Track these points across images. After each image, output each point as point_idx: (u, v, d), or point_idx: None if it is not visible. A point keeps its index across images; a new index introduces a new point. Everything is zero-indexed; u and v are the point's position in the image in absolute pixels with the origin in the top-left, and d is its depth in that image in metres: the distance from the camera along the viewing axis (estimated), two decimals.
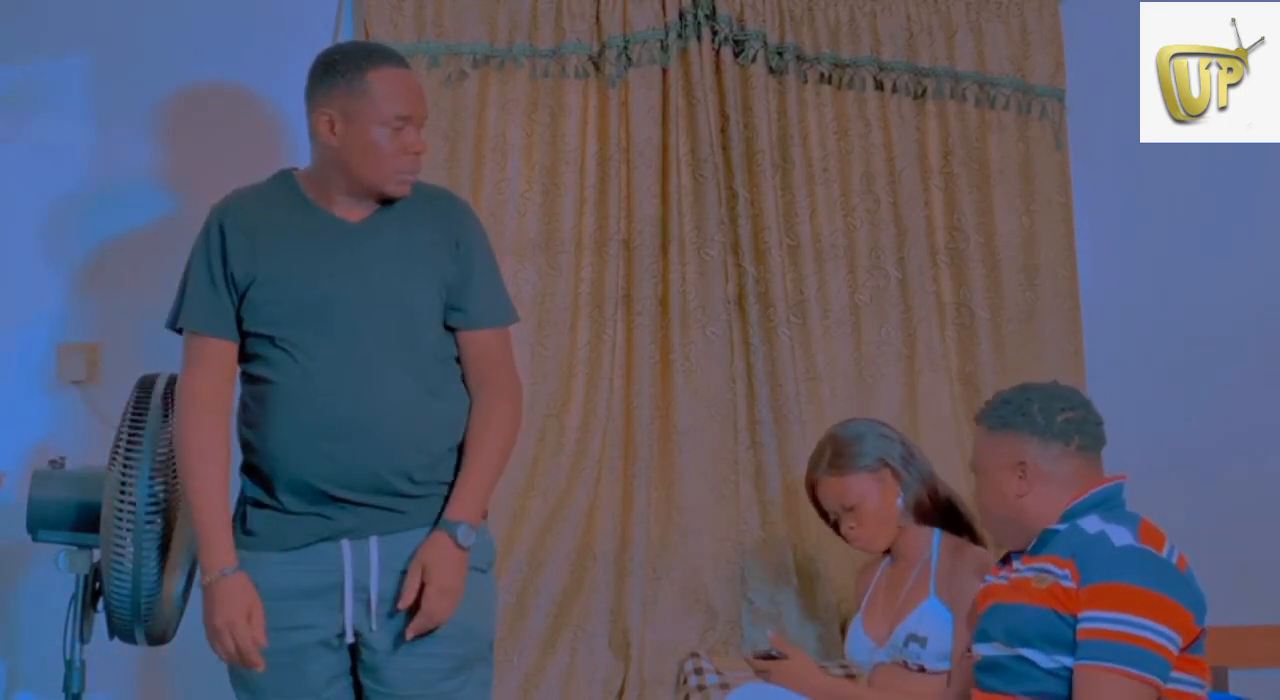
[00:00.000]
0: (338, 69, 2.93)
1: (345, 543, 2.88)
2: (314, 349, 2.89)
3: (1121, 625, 2.70)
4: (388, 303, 2.91)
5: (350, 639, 2.88)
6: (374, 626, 2.87)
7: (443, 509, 2.91)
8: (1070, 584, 2.77)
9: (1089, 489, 2.90)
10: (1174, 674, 2.75)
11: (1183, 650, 2.75)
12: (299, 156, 3.70)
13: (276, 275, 2.92)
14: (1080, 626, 2.74)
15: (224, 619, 2.79)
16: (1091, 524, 2.84)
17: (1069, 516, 2.88)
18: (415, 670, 2.88)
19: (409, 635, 2.85)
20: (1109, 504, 2.89)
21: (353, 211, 2.97)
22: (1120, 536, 2.80)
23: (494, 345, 3.01)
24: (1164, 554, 2.79)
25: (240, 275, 2.93)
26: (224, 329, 2.95)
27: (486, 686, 2.99)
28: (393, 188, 2.94)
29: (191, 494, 2.87)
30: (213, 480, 2.88)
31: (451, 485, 2.93)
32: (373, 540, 2.88)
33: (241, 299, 2.93)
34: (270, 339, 2.92)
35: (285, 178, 3.04)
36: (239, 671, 2.92)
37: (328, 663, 2.91)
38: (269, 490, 2.92)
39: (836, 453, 3.42)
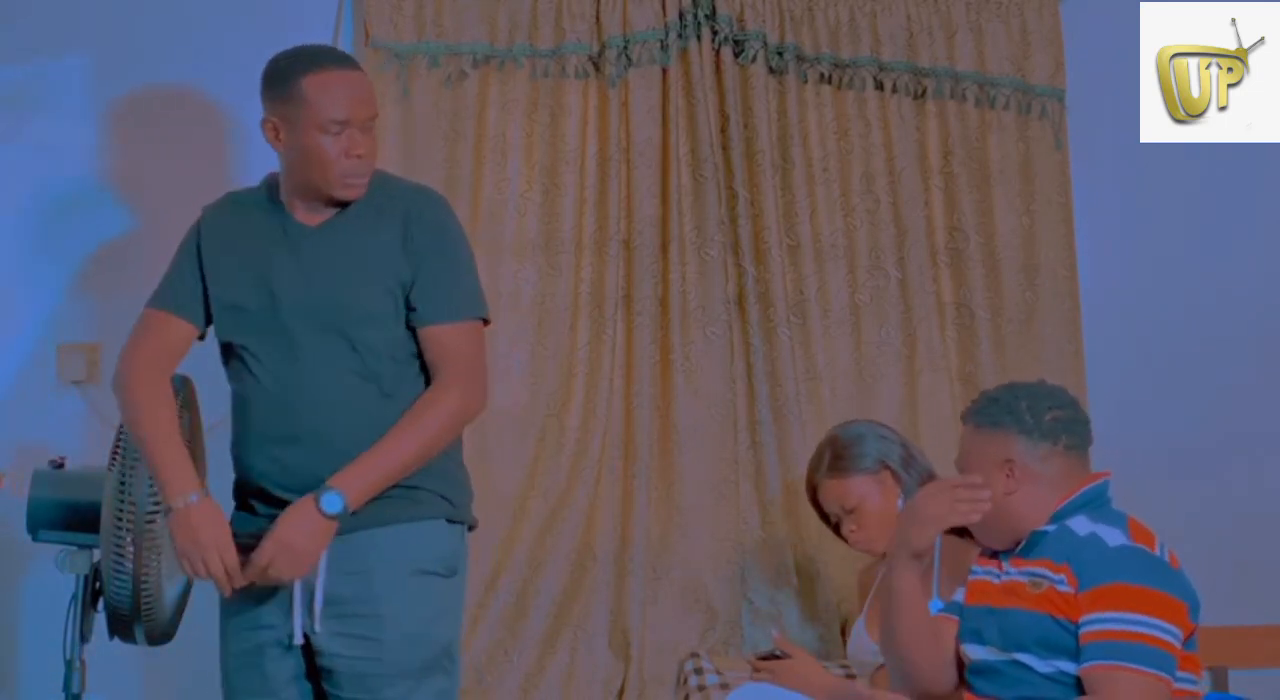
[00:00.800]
0: (277, 77, 2.93)
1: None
2: (265, 355, 2.92)
3: (1128, 625, 2.69)
4: (331, 306, 2.90)
5: (299, 640, 2.87)
6: (318, 627, 2.85)
7: (400, 511, 2.88)
8: (1067, 589, 2.76)
9: (1076, 489, 2.89)
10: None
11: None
12: None
13: (232, 281, 2.97)
14: (1085, 630, 2.73)
15: (210, 536, 2.79)
16: (1081, 525, 2.84)
17: (1057, 518, 2.87)
18: (359, 674, 2.86)
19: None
20: (1095, 503, 2.89)
21: (312, 216, 2.97)
22: (1113, 537, 2.80)
23: (448, 340, 2.93)
24: (1156, 551, 2.80)
25: (207, 278, 2.99)
26: (183, 308, 2.99)
27: (444, 696, 2.93)
28: (340, 191, 2.92)
29: (144, 438, 2.87)
30: (163, 423, 2.88)
31: (411, 487, 2.89)
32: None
33: (208, 305, 2.99)
34: (232, 346, 2.97)
35: (271, 180, 3.05)
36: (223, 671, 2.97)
37: (284, 664, 2.92)
38: (242, 496, 2.97)
39: (836, 455, 3.42)
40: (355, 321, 2.90)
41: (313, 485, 2.84)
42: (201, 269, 2.99)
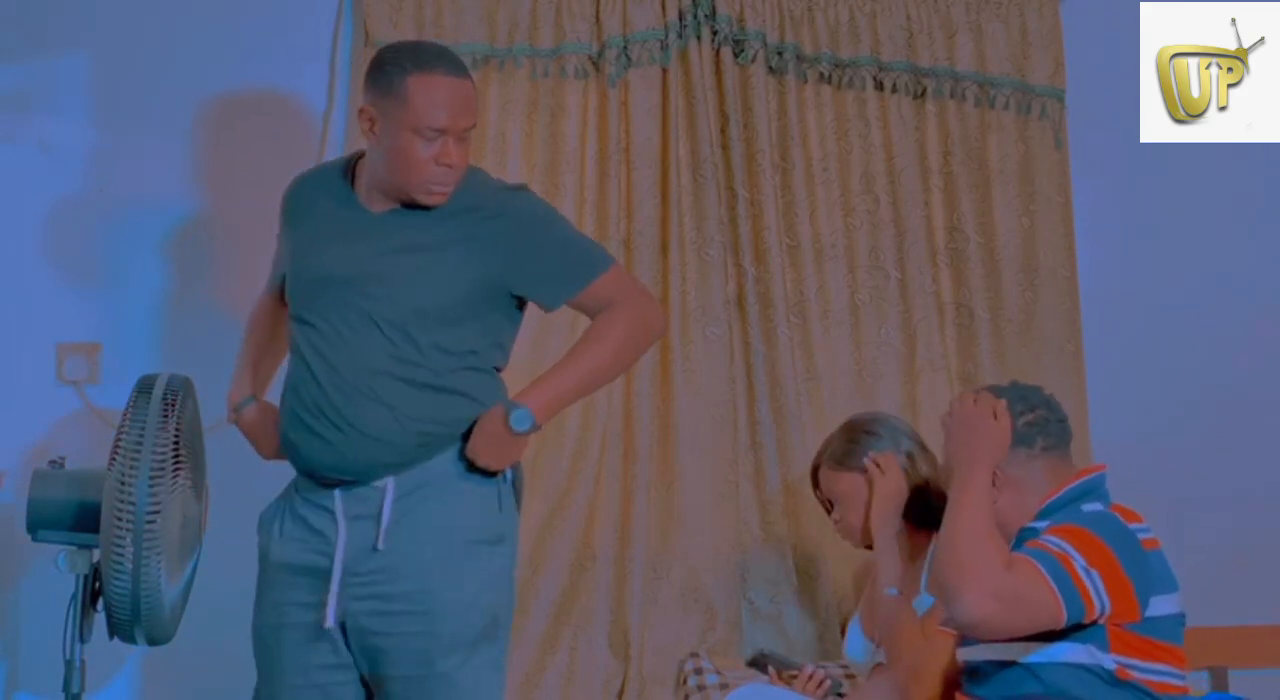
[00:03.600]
0: (383, 69, 2.92)
1: (337, 493, 2.90)
2: (316, 327, 2.94)
3: (1060, 548, 2.71)
4: (381, 292, 2.90)
5: (330, 621, 2.86)
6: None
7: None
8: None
9: (1064, 485, 2.90)
10: (1144, 661, 2.75)
11: (1122, 624, 2.73)
12: (296, 153, 3.70)
13: (298, 250, 3.03)
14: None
15: (261, 447, 3.06)
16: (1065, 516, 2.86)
17: (1045, 513, 2.88)
18: (411, 650, 2.85)
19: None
20: (1088, 497, 2.89)
21: (377, 203, 2.97)
22: (1090, 506, 2.82)
23: (592, 300, 3.00)
24: (1131, 526, 2.80)
25: (284, 251, 3.08)
26: (275, 293, 3.17)
27: (495, 667, 2.93)
28: (422, 197, 2.92)
29: (238, 356, 3.15)
30: (250, 343, 3.14)
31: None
32: (389, 482, 2.88)
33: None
34: (295, 317, 3.01)
35: (348, 160, 3.08)
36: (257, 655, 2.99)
37: (323, 648, 2.91)
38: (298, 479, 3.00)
39: (841, 446, 3.42)
40: (405, 312, 2.89)
41: (350, 468, 2.87)
42: (282, 246, 3.11)
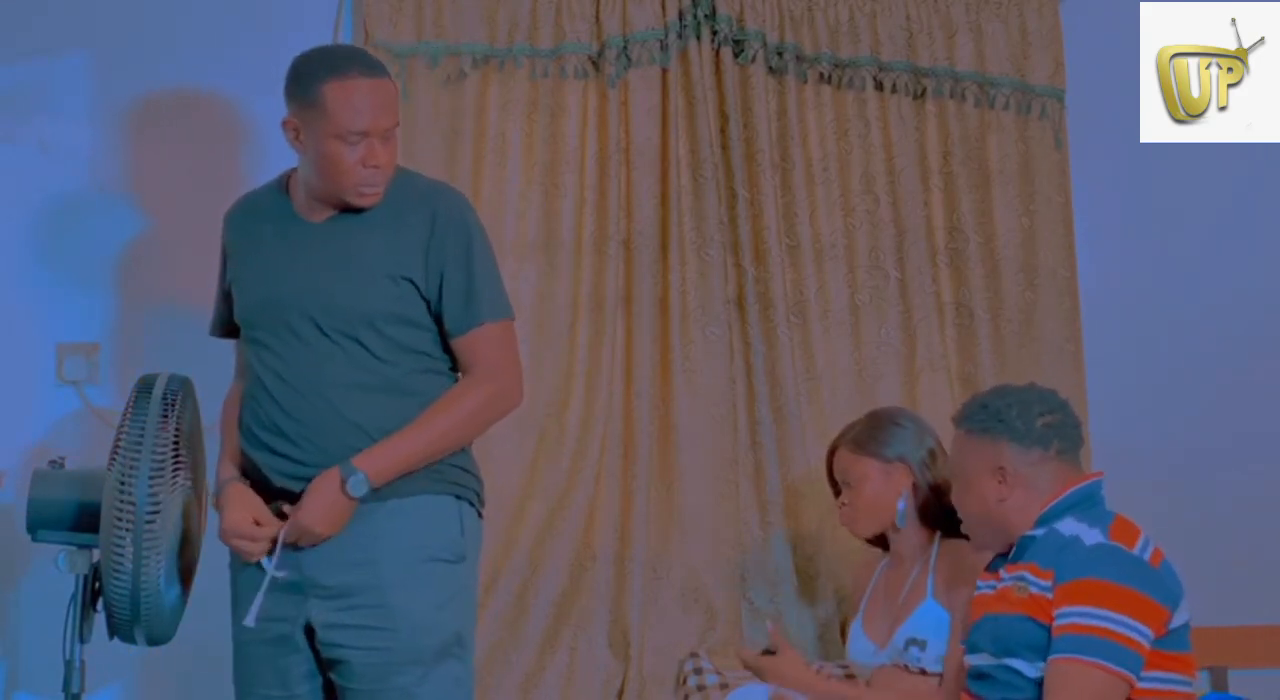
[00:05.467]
0: (298, 80, 2.93)
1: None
2: (269, 346, 2.96)
3: (1092, 619, 2.70)
4: (327, 302, 2.92)
5: (251, 621, 2.89)
6: (324, 618, 2.88)
7: (403, 486, 2.91)
8: (1053, 596, 2.77)
9: (1062, 491, 2.90)
10: (1157, 672, 2.75)
11: (1155, 642, 2.74)
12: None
13: (243, 274, 3.04)
14: (1055, 624, 2.75)
15: (229, 521, 2.92)
16: (1067, 527, 2.85)
17: (1045, 520, 2.88)
18: (370, 664, 2.87)
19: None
20: (1085, 504, 2.90)
21: (316, 212, 2.99)
22: (1091, 536, 2.82)
23: (474, 347, 2.97)
24: (1135, 549, 2.80)
25: (229, 275, 3.08)
26: (224, 330, 3.15)
27: (458, 684, 2.95)
28: (354, 199, 2.93)
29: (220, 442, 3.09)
30: (228, 430, 3.05)
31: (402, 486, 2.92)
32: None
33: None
34: (248, 340, 3.03)
35: (283, 177, 3.09)
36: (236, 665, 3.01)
37: (297, 659, 2.94)
38: (252, 485, 3.00)
39: (864, 432, 3.43)
40: (352, 319, 2.92)
41: (304, 475, 2.88)
42: (227, 274, 3.09)
